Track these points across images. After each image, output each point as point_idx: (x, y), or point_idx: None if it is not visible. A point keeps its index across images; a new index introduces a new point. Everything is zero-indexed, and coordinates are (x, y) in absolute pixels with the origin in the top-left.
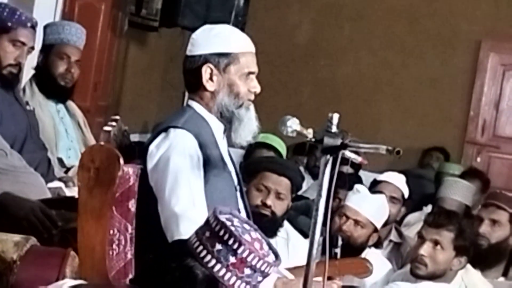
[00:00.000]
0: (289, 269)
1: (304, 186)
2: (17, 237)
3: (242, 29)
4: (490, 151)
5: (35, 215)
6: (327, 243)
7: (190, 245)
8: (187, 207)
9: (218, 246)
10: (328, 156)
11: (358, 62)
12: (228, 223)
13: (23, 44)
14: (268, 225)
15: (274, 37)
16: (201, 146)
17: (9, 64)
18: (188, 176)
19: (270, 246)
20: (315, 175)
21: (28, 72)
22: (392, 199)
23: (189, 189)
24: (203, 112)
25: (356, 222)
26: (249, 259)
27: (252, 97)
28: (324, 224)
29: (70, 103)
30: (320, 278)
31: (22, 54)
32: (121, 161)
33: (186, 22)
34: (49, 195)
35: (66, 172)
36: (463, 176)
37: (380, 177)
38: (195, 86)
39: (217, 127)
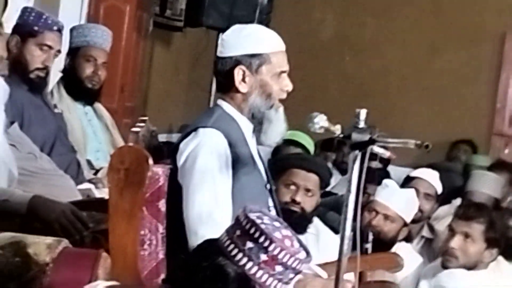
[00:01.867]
0: (320, 265)
1: (333, 182)
2: (49, 240)
3: (267, 27)
4: None
5: (66, 217)
6: (357, 239)
7: (221, 244)
8: (210, 207)
9: (249, 244)
10: (357, 151)
11: (383, 57)
12: (259, 221)
13: (50, 47)
14: (298, 222)
15: (298, 33)
16: (231, 145)
17: (36, 68)
18: (214, 175)
19: (301, 243)
20: (343, 171)
21: (55, 75)
22: (426, 195)
23: (213, 189)
24: (232, 112)
25: (386, 216)
26: (280, 256)
27: (284, 95)
28: (354, 219)
29: (98, 105)
30: (349, 274)
31: (49, 58)
32: (150, 161)
33: (211, 21)
34: (79, 197)
35: (95, 173)
36: (491, 168)
37: (413, 173)
38: (227, 87)
39: (246, 126)
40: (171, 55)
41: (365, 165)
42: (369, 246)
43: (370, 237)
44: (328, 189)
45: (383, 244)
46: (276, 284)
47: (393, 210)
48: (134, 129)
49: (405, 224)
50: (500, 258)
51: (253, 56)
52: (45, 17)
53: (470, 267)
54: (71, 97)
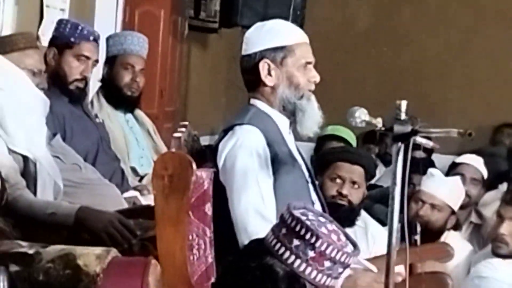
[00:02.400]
0: (369, 259)
1: (377, 174)
2: (98, 250)
3: (302, 23)
4: None
5: (113, 227)
6: (405, 230)
7: (267, 243)
8: (257, 206)
9: (296, 242)
10: (400, 143)
11: (420, 46)
12: (303, 218)
13: (87, 58)
14: (345, 215)
15: (333, 28)
16: (269, 144)
17: (75, 79)
18: (256, 174)
19: (347, 236)
20: (387, 162)
21: (94, 85)
22: (472, 180)
23: (257, 188)
24: (266, 109)
25: (433, 206)
26: (327, 251)
27: (312, 87)
28: (401, 211)
29: (138, 112)
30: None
31: (87, 68)
32: (194, 166)
33: (245, 21)
34: (125, 205)
35: (140, 180)
36: None
37: (459, 159)
38: (254, 84)
39: (283, 122)
40: (208, 57)
41: (409, 156)
42: (417, 237)
43: (418, 228)
44: (373, 181)
45: (432, 234)
46: (326, 280)
47: (440, 199)
48: (175, 134)
49: (453, 212)
50: None
51: (276, 49)
52: (81, 28)
53: None
54: (111, 105)
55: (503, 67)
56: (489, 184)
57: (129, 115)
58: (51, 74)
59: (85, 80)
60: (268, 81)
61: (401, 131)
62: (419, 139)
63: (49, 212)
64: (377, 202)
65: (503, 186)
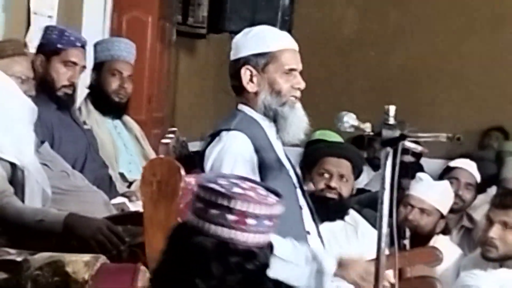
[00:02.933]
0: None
1: (366, 178)
2: (87, 257)
3: (290, 28)
4: None
5: (102, 233)
6: (394, 235)
7: (189, 224)
8: None
9: (213, 211)
10: (388, 148)
11: (408, 49)
12: (213, 185)
13: (75, 64)
14: (335, 208)
15: (321, 32)
16: (256, 149)
17: (63, 85)
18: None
19: (269, 189)
20: (376, 167)
21: (82, 92)
22: (467, 185)
23: None
24: (253, 114)
25: (422, 210)
26: (247, 209)
27: (297, 93)
28: (390, 215)
29: (126, 118)
30: (388, 271)
31: (75, 74)
32: (183, 172)
33: (233, 26)
34: (114, 211)
35: (128, 186)
36: None
37: (453, 163)
38: (239, 89)
39: (270, 128)
40: (196, 63)
41: (398, 161)
42: (406, 242)
43: (407, 233)
44: (362, 186)
45: (421, 238)
46: (255, 237)
47: (429, 203)
48: (164, 140)
49: (442, 217)
50: None
51: (259, 55)
52: (67, 34)
53: (511, 257)
54: (99, 112)
55: (490, 71)
56: (478, 188)
57: (117, 121)
58: (39, 81)
59: (73, 86)
60: (250, 87)
61: (389, 136)
62: (407, 144)
63: (38, 219)
64: (366, 207)
65: (492, 190)
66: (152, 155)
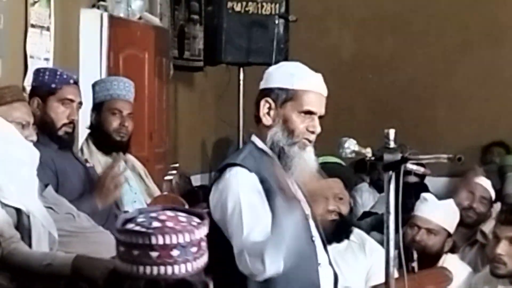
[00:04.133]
0: None
1: (372, 200)
2: None
3: (286, 56)
4: None
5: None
6: (402, 258)
7: (118, 269)
8: (254, 238)
9: (135, 252)
10: (390, 172)
11: (406, 71)
12: (130, 226)
13: (72, 101)
14: (339, 229)
15: (318, 58)
16: (262, 181)
17: (63, 124)
18: (245, 210)
19: (191, 212)
20: (380, 188)
21: (83, 133)
22: (481, 198)
23: (248, 219)
24: (263, 146)
25: (429, 230)
26: (167, 242)
27: (311, 137)
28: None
29: (129, 157)
30: None
31: (73, 111)
32: (186, 207)
33: (230, 57)
34: None
35: None
36: None
37: None
38: (256, 119)
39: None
40: (195, 95)
41: (401, 184)
42: (415, 264)
43: (415, 255)
44: (367, 208)
45: (430, 258)
46: (186, 267)
47: (436, 223)
48: (167, 177)
49: (449, 235)
50: None
51: (282, 90)
52: (59, 73)
53: None
54: (101, 151)
55: (489, 88)
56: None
57: None
58: (38, 123)
59: (72, 123)
60: (265, 120)
61: (391, 160)
62: (409, 166)
63: (46, 264)
64: (373, 230)
65: (497, 205)
66: (157, 192)
